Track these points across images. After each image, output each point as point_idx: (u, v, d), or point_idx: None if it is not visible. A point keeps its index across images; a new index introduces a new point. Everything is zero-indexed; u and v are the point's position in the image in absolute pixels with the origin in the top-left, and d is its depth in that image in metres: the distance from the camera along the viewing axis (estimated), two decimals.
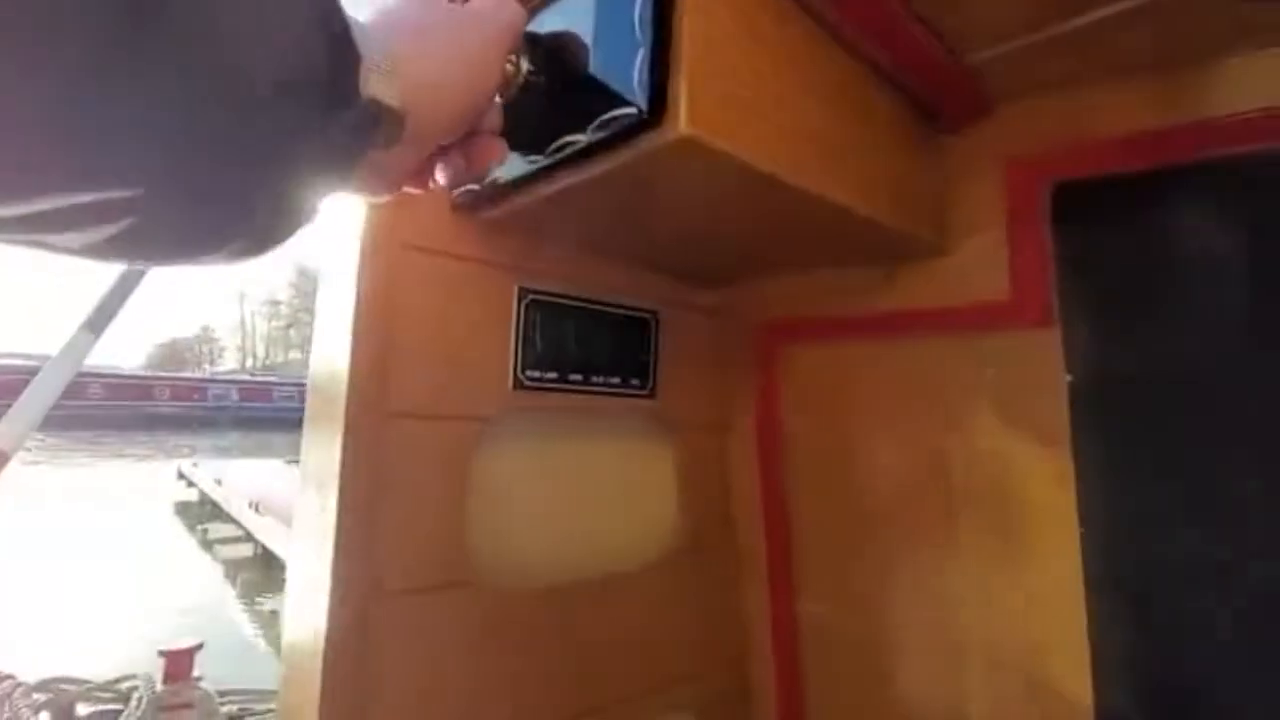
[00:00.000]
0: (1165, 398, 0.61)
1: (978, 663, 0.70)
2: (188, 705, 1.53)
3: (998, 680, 0.68)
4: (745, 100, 0.46)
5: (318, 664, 0.52)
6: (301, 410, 0.60)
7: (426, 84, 0.32)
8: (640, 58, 0.42)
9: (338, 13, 0.27)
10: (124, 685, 1.65)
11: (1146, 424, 0.61)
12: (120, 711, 1.59)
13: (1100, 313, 0.64)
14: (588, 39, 0.43)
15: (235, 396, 21.58)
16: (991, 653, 0.69)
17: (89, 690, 1.69)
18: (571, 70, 0.42)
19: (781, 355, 0.85)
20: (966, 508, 0.71)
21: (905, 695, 0.74)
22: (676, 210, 0.59)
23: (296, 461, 0.62)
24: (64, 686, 1.70)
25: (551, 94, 0.42)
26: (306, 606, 0.54)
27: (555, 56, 0.42)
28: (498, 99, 0.39)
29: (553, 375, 0.70)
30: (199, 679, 1.62)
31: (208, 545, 6.94)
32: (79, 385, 16.92)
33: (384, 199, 0.38)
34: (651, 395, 0.80)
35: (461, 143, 0.38)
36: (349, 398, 0.55)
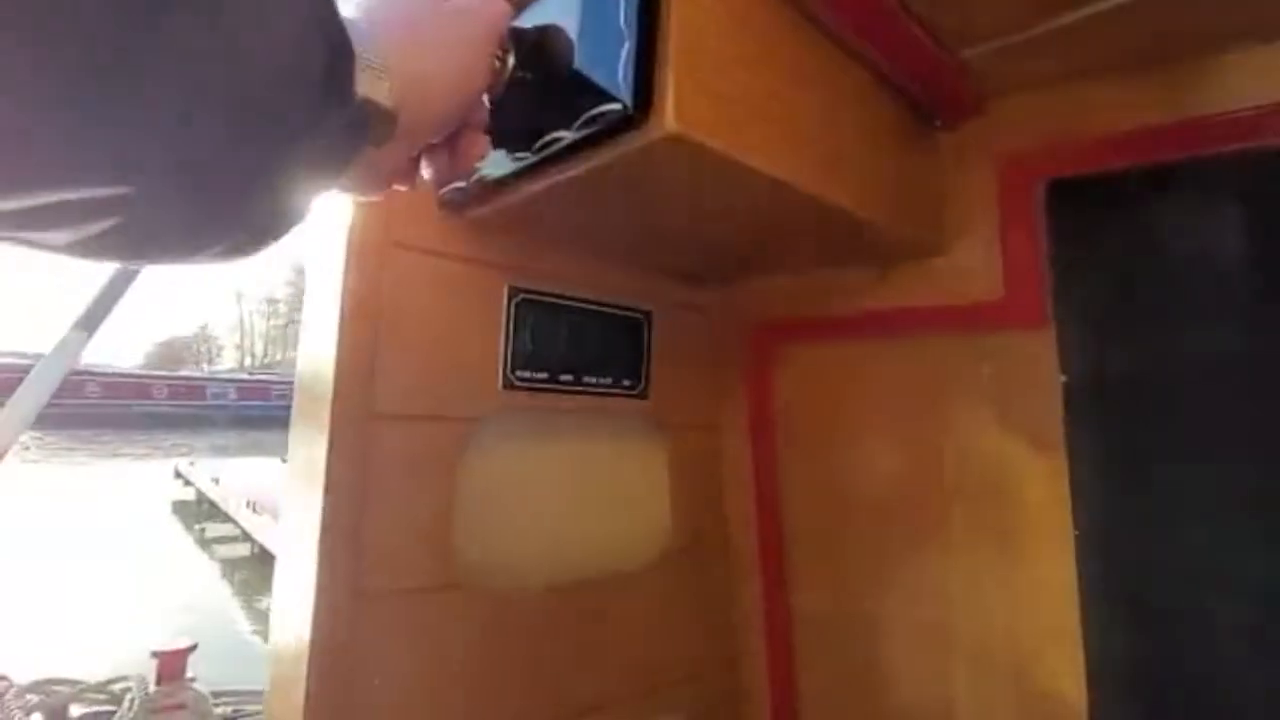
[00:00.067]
0: (1160, 398, 0.60)
1: (972, 663, 0.69)
2: (181, 706, 1.53)
3: (991, 680, 0.68)
4: (736, 97, 0.46)
5: (303, 668, 0.52)
6: None
7: (416, 81, 0.32)
8: (626, 52, 0.41)
9: (333, 12, 0.27)
10: (117, 686, 1.65)
11: (1141, 425, 0.61)
12: (113, 713, 1.59)
13: (1094, 312, 0.63)
14: (573, 33, 0.42)
15: (233, 395, 21.58)
16: (985, 653, 0.68)
17: (82, 691, 1.68)
18: (557, 66, 0.42)
19: (776, 355, 0.84)
20: (961, 508, 0.71)
21: (898, 694, 0.74)
22: (668, 209, 0.58)
23: None
24: (56, 688, 1.69)
25: (538, 90, 0.42)
26: (292, 609, 0.54)
27: (541, 52, 0.42)
28: (484, 95, 0.39)
29: (543, 375, 0.69)
30: (192, 680, 1.61)
31: (205, 544, 6.94)
32: (76, 384, 16.91)
33: (372, 197, 0.38)
34: (644, 396, 0.79)
35: (447, 139, 0.38)
36: (334, 398, 0.54)
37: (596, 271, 0.74)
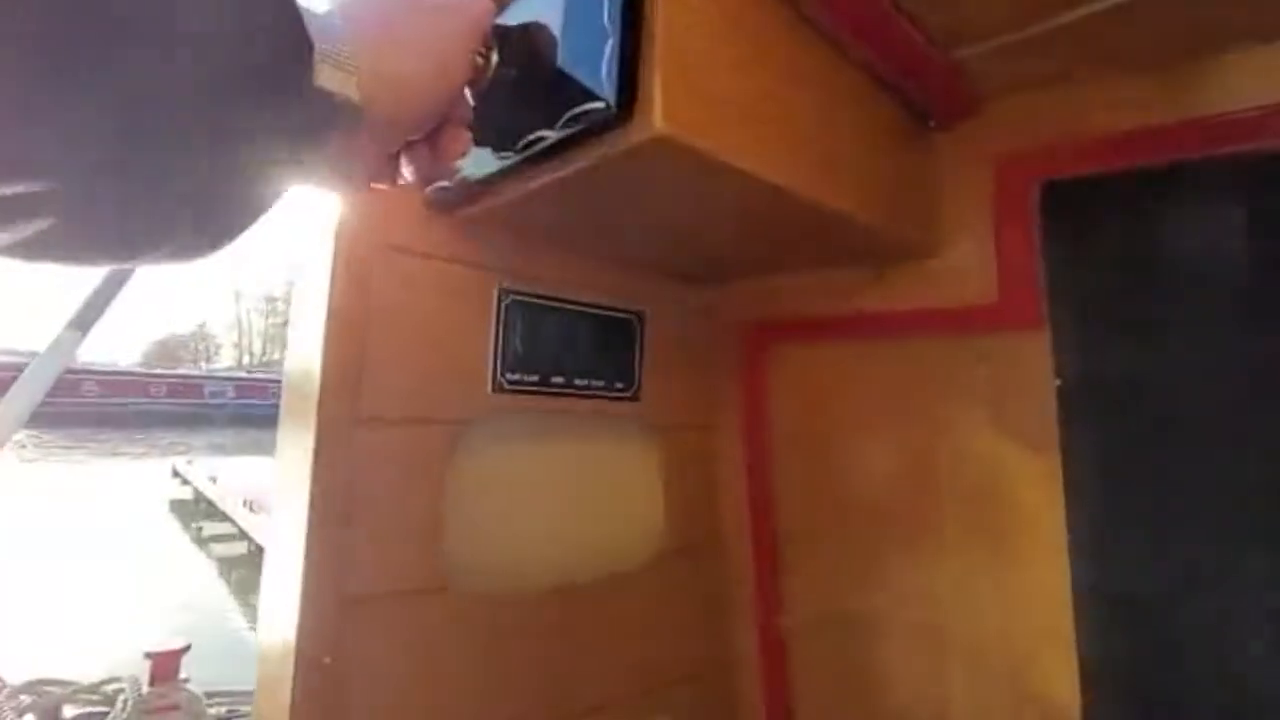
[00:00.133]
0: (1154, 401, 0.60)
1: (966, 664, 0.69)
2: (174, 707, 1.52)
3: (984, 682, 0.68)
4: (726, 98, 0.45)
5: (289, 669, 0.51)
6: None
7: (388, 76, 0.31)
8: (609, 50, 0.41)
9: (290, 5, 0.26)
10: (110, 687, 1.64)
11: (1135, 427, 0.61)
12: (106, 713, 1.58)
13: (1089, 314, 0.63)
14: (557, 30, 0.41)
15: (231, 393, 21.54)
16: (980, 654, 0.68)
17: (75, 692, 1.67)
18: (542, 63, 0.41)
19: (769, 356, 0.84)
20: (954, 510, 0.70)
21: (893, 695, 0.74)
22: (659, 210, 0.58)
23: None
24: (49, 688, 1.68)
25: (522, 88, 0.41)
26: (279, 610, 0.53)
27: (526, 49, 0.41)
28: (468, 92, 0.38)
29: (534, 378, 0.68)
30: (186, 680, 1.60)
31: (202, 543, 6.93)
32: (74, 382, 16.87)
33: (353, 195, 0.37)
34: (636, 398, 0.78)
35: (429, 136, 0.37)
36: (321, 400, 0.54)
37: (588, 272, 0.73)
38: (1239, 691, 0.55)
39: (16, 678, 1.75)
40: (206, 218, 0.26)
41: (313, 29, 0.27)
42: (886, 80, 0.61)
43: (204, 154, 0.25)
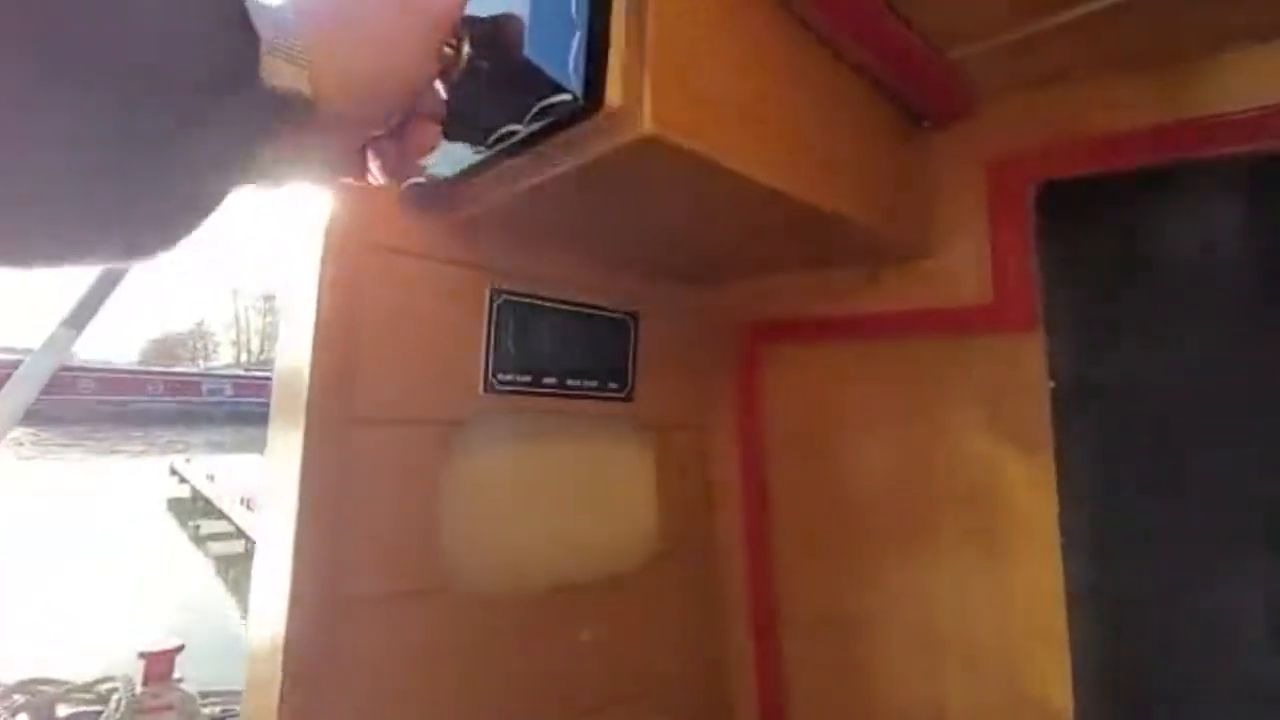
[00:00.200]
0: (1148, 403, 0.60)
1: (959, 666, 0.69)
2: (168, 707, 1.52)
3: (978, 683, 0.68)
4: (718, 99, 0.45)
5: (277, 671, 0.51)
6: None
7: (343, 70, 0.30)
8: (576, 42, 0.40)
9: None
10: (104, 687, 1.63)
11: (1129, 430, 0.60)
12: (100, 713, 1.58)
13: (1084, 316, 0.63)
14: (526, 20, 0.40)
15: (229, 391, 21.50)
16: (972, 656, 0.68)
17: (68, 692, 1.67)
18: (511, 55, 0.40)
19: (764, 356, 0.84)
20: (949, 512, 0.70)
21: (886, 696, 0.74)
22: (651, 210, 0.57)
23: None
24: (43, 688, 1.68)
25: (494, 80, 0.40)
26: (268, 611, 0.53)
27: (496, 40, 0.40)
28: (439, 85, 0.37)
29: (526, 378, 0.68)
30: (180, 680, 1.60)
31: (199, 541, 6.92)
32: (71, 380, 16.83)
33: (319, 190, 0.36)
34: (630, 398, 0.78)
35: (396, 130, 0.36)
36: (310, 400, 0.54)
37: (581, 272, 0.73)
38: (1233, 693, 0.55)
39: (10, 677, 1.75)
40: (155, 216, 0.26)
41: (262, 22, 0.26)
42: (881, 81, 0.61)
43: (147, 151, 0.24)
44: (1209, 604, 0.56)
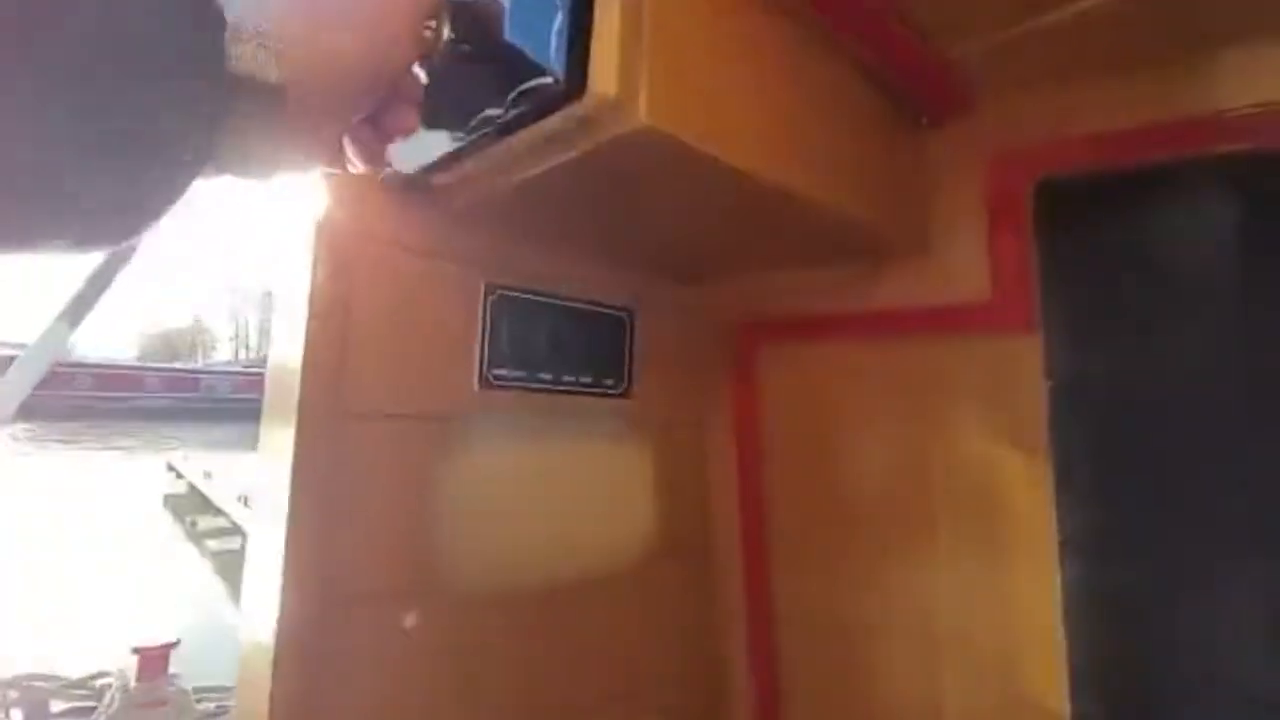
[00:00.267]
0: (1146, 403, 0.59)
1: (956, 666, 0.69)
2: (162, 703, 1.51)
3: (975, 686, 0.67)
4: (715, 91, 0.45)
5: (269, 668, 0.50)
6: None
7: (316, 54, 0.29)
8: (558, 23, 0.39)
9: None
10: (98, 683, 1.63)
11: (1126, 430, 0.60)
12: (94, 708, 1.57)
13: (1082, 316, 0.62)
14: (506, 1, 0.40)
15: (227, 388, 21.46)
16: (970, 656, 0.68)
17: (62, 687, 1.66)
18: (492, 37, 0.39)
19: (761, 354, 0.83)
20: (947, 512, 0.70)
21: (882, 697, 0.73)
22: (647, 204, 0.57)
23: None
24: (37, 683, 1.67)
25: (474, 64, 0.39)
26: (260, 611, 0.52)
27: (476, 22, 0.39)
28: (418, 68, 0.36)
29: (521, 374, 0.68)
30: (175, 676, 1.59)
31: (196, 537, 6.90)
32: (69, 376, 16.78)
33: (294, 179, 0.35)
34: (626, 395, 0.78)
35: (373, 116, 0.35)
36: (302, 395, 0.53)
37: (577, 268, 0.72)
38: (1231, 695, 0.55)
39: (4, 672, 1.74)
40: (113, 203, 0.25)
41: (228, 3, 0.25)
42: (879, 77, 0.61)
43: (104, 135, 0.23)
44: (1208, 605, 0.56)
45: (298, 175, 0.35)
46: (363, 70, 0.32)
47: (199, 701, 1.66)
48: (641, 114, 0.40)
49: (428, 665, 0.59)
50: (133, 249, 1.65)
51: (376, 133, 0.35)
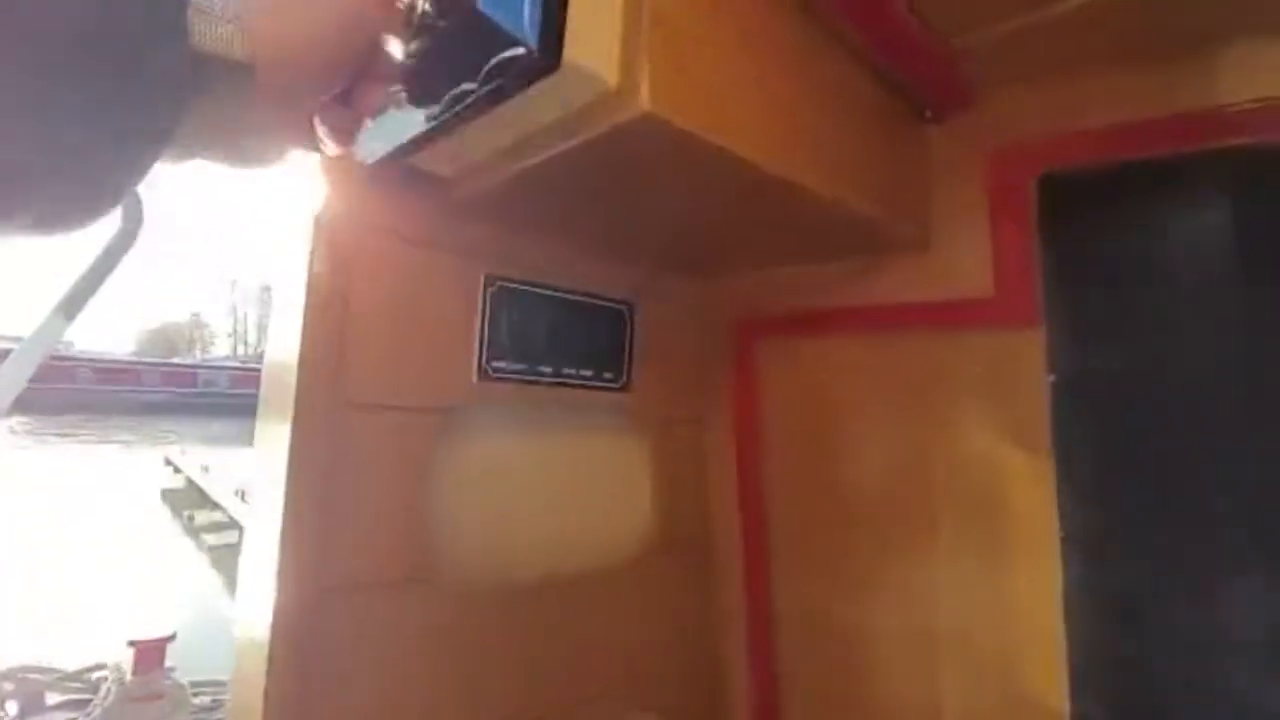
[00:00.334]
0: (1149, 399, 0.59)
1: (955, 666, 0.69)
2: (158, 696, 1.51)
3: (974, 685, 0.67)
4: (716, 80, 0.44)
5: (264, 661, 0.50)
6: None
7: (284, 29, 0.28)
8: None
9: None
10: (94, 675, 1.62)
11: (1130, 426, 0.60)
12: (89, 701, 1.57)
13: (1085, 310, 0.62)
14: None
15: (225, 383, 21.43)
16: (969, 656, 0.67)
17: (58, 679, 1.66)
18: (466, 8, 0.38)
19: (761, 349, 0.83)
20: (947, 509, 0.69)
21: (882, 695, 0.73)
22: (647, 195, 0.57)
23: None
24: (32, 675, 1.67)
25: (448, 37, 0.38)
26: (255, 601, 0.52)
27: None
28: (395, 43, 0.35)
29: (521, 366, 0.67)
30: (171, 670, 1.59)
31: (193, 531, 6.89)
32: (67, 369, 16.76)
33: (265, 165, 0.34)
34: (626, 389, 0.77)
35: (343, 94, 0.34)
36: (300, 385, 0.53)
37: (577, 260, 0.72)
38: (1232, 696, 0.55)
39: (0, 664, 1.73)
40: (72, 185, 0.24)
41: None
42: (882, 69, 0.60)
43: (61, 112, 0.22)
44: (1209, 605, 0.55)
45: (269, 159, 0.33)
46: (332, 45, 0.31)
47: (195, 695, 1.66)
48: (643, 102, 0.39)
49: (424, 658, 0.59)
50: (132, 239, 1.64)
51: (347, 111, 0.34)
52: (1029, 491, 0.64)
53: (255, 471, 0.56)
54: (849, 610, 0.75)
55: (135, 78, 0.23)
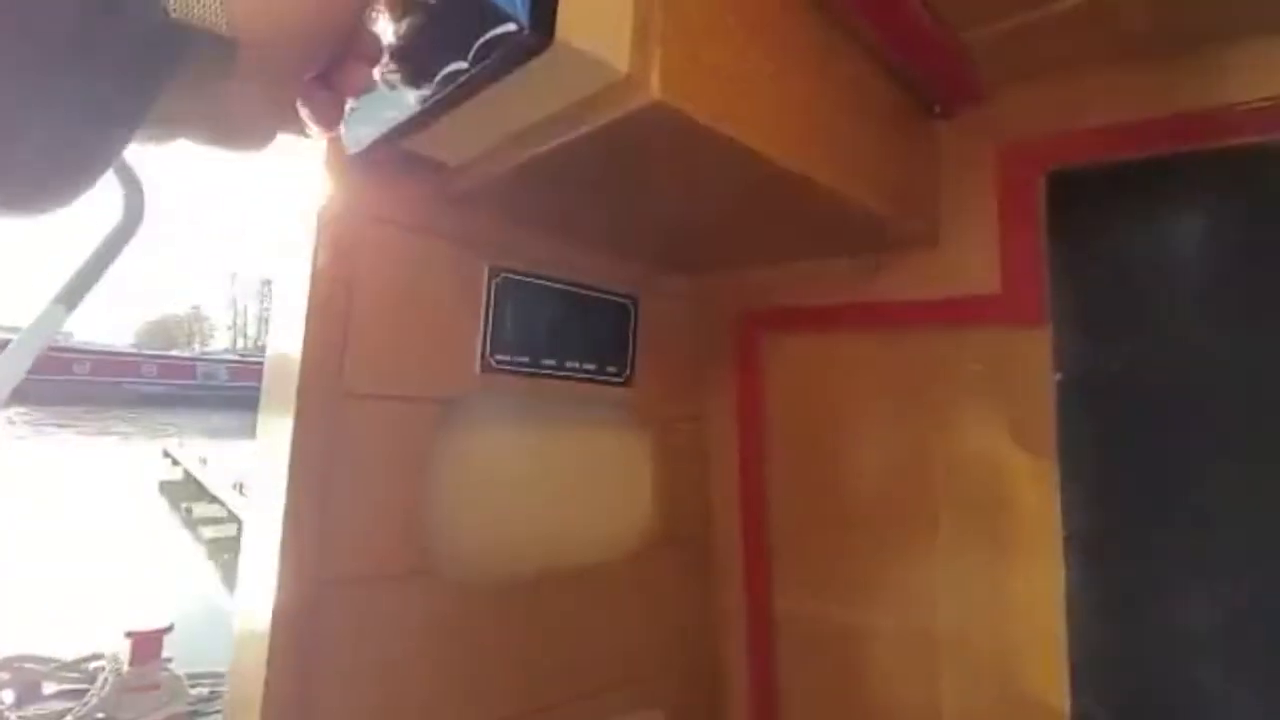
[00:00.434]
0: (1156, 399, 0.59)
1: (954, 665, 0.68)
2: (154, 687, 1.51)
3: (973, 684, 0.67)
4: (725, 70, 0.44)
5: (263, 652, 0.50)
6: None
7: (269, 2, 0.27)
8: None
9: None
10: (91, 665, 1.62)
11: (1136, 426, 0.59)
12: (86, 690, 1.57)
13: (1093, 308, 0.62)
14: None
15: (224, 376, 21.41)
16: (968, 656, 0.67)
17: (55, 669, 1.66)
18: None
19: (764, 345, 0.83)
20: (949, 508, 0.69)
21: (880, 693, 0.73)
22: (654, 187, 0.56)
23: None
24: (29, 665, 1.67)
25: (439, 14, 0.37)
26: (255, 593, 0.52)
27: None
28: (384, 20, 0.35)
29: (524, 359, 0.67)
30: (168, 661, 1.59)
31: (191, 524, 6.90)
32: (65, 361, 16.75)
33: (251, 150, 0.33)
34: (629, 384, 0.77)
35: (325, 74, 0.32)
36: (302, 373, 0.53)
37: (582, 255, 0.72)
38: (1228, 701, 0.54)
39: None
40: (38, 165, 0.23)
41: None
42: (893, 64, 0.60)
43: (24, 86, 0.21)
44: (1213, 606, 0.55)
45: (257, 141, 0.32)
46: (322, 22, 0.29)
47: (192, 686, 1.66)
48: (654, 90, 0.39)
49: (424, 651, 0.59)
50: (133, 230, 1.63)
51: (329, 92, 0.33)
52: (1032, 490, 0.63)
53: (257, 463, 0.56)
54: (849, 609, 0.75)
55: (105, 48, 0.22)
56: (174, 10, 0.23)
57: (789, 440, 0.81)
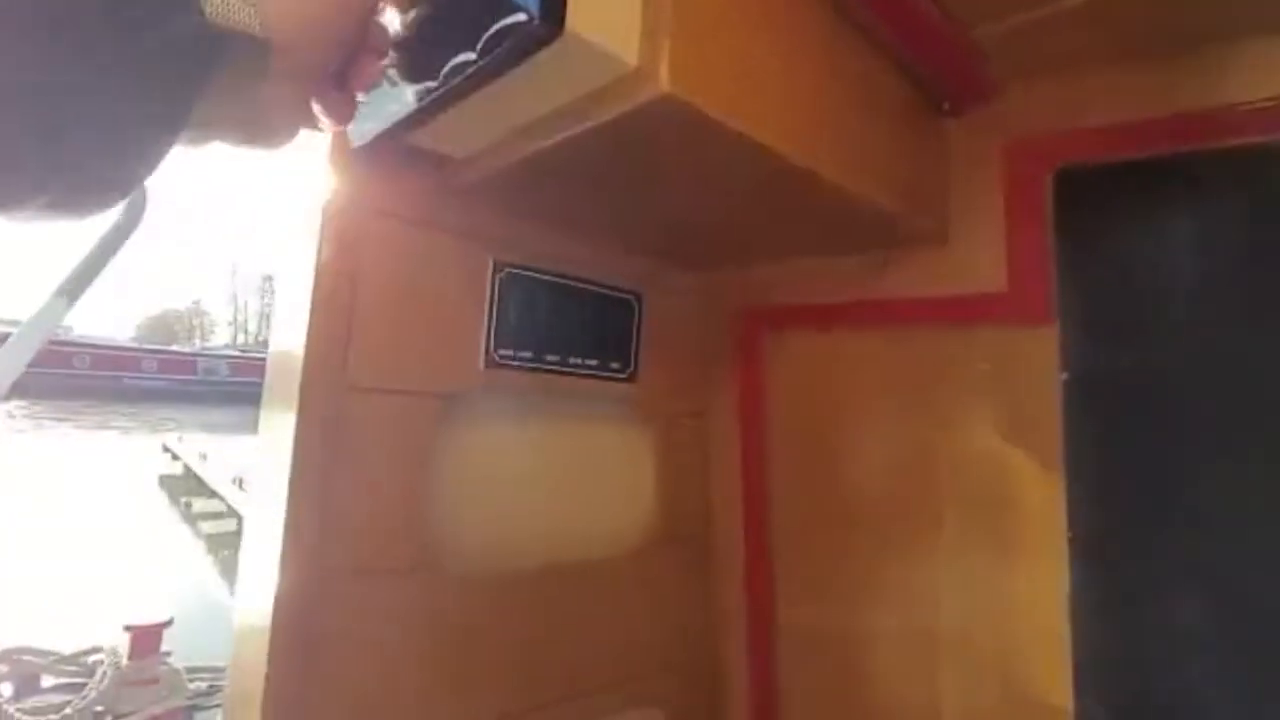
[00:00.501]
0: (1162, 399, 0.58)
1: (956, 665, 0.68)
2: (154, 680, 1.51)
3: (975, 683, 0.67)
4: (734, 64, 0.43)
5: (264, 646, 0.50)
6: None
7: (300, 6, 0.27)
8: None
9: None
10: (90, 658, 1.62)
11: (1142, 426, 0.59)
12: (85, 684, 1.57)
13: (1100, 307, 0.61)
14: None
15: (224, 371, 21.41)
16: (971, 656, 0.67)
17: (53, 662, 1.66)
18: None
19: (768, 342, 0.82)
20: (953, 507, 0.69)
21: (880, 693, 0.73)
22: (660, 181, 0.56)
23: None
24: (28, 657, 1.67)
25: (447, 5, 0.37)
26: (256, 587, 0.52)
27: None
28: (393, 12, 0.34)
29: (527, 354, 0.67)
30: (167, 654, 1.59)
31: (190, 519, 6.90)
32: (65, 355, 16.75)
33: (277, 148, 0.33)
34: (632, 380, 0.77)
35: (336, 71, 0.33)
36: (305, 370, 0.52)
37: (586, 250, 0.71)
38: (1229, 701, 0.54)
39: None
40: (85, 169, 0.23)
41: None
42: (903, 60, 0.60)
43: (73, 94, 0.21)
44: (1217, 606, 0.55)
45: (282, 139, 0.32)
46: (342, 16, 0.30)
47: (191, 680, 1.66)
48: (663, 83, 0.38)
49: (425, 644, 0.58)
50: (134, 224, 1.63)
51: (341, 87, 0.33)
52: (1036, 490, 0.63)
53: (259, 456, 0.56)
54: (851, 608, 0.75)
55: (146, 55, 0.23)
56: (211, 14, 0.24)
57: (792, 438, 0.81)
